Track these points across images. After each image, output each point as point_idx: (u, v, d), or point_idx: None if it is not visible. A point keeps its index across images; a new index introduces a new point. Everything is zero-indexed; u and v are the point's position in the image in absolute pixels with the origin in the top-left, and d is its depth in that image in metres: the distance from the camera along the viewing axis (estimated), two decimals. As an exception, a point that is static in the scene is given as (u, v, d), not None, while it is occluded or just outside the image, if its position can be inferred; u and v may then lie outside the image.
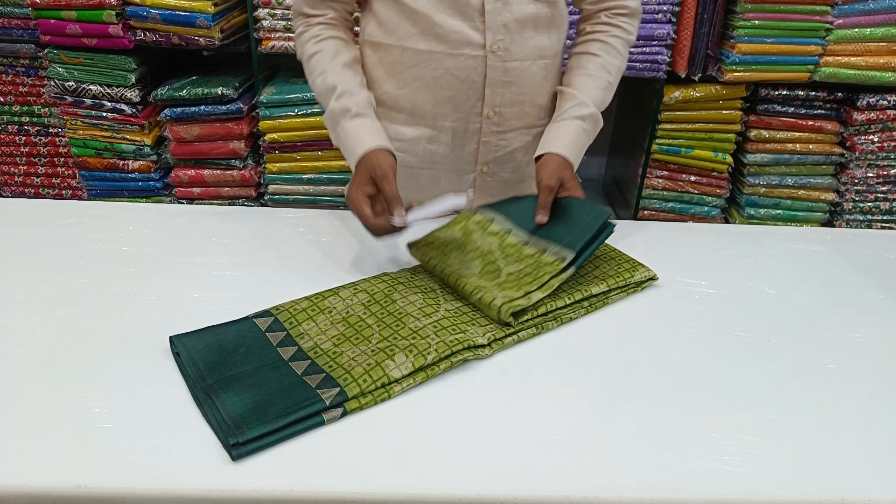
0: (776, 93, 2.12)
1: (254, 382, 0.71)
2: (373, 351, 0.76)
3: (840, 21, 1.99)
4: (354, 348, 0.77)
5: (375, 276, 0.93)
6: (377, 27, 1.06)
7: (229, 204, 2.34)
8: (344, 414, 0.69)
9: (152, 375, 0.74)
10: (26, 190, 2.44)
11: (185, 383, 0.73)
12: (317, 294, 0.87)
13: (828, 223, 2.32)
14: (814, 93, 2.11)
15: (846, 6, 1.97)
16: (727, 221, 2.37)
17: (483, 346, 0.79)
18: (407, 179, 1.10)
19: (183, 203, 2.32)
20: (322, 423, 0.68)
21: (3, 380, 0.73)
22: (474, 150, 1.10)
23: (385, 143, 0.98)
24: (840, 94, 2.11)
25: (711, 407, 0.73)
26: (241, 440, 0.63)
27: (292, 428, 0.66)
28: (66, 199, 2.42)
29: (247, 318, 0.82)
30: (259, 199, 2.35)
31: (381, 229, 0.91)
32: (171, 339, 0.77)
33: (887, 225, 2.28)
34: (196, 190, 2.32)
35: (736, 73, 2.05)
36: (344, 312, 0.84)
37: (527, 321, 0.83)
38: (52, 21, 2.05)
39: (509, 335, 0.82)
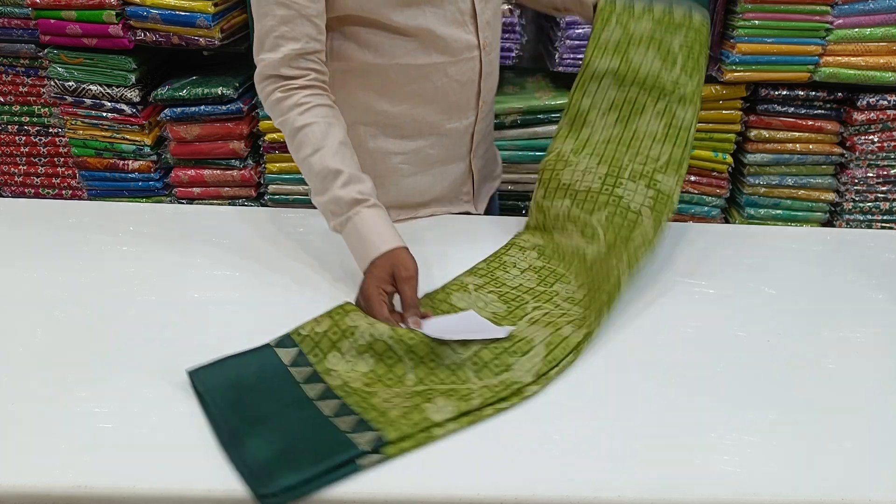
0: (776, 93, 2.12)
1: (279, 425, 0.67)
2: (408, 395, 0.72)
3: (840, 21, 1.98)
4: (388, 390, 0.72)
5: None
6: (359, 50, 1.01)
7: (229, 204, 2.34)
8: (381, 459, 0.65)
9: (152, 375, 0.74)
10: (26, 190, 2.44)
11: (185, 382, 0.73)
12: (337, 309, 0.80)
13: (828, 223, 2.32)
14: (814, 93, 2.11)
15: (846, 6, 1.97)
16: (727, 221, 2.37)
17: (530, 384, 0.74)
18: (406, 182, 1.13)
19: (183, 203, 2.32)
20: (356, 470, 0.63)
21: (3, 380, 0.73)
22: (469, 142, 1.15)
23: (405, 244, 0.90)
24: (840, 94, 2.11)
25: (711, 407, 0.73)
26: (271, 491, 0.60)
27: (326, 477, 0.62)
28: (66, 199, 2.42)
29: (267, 346, 0.77)
30: (259, 199, 2.35)
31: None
32: (190, 374, 0.72)
33: (887, 225, 2.27)
34: (196, 190, 2.31)
35: (736, 73, 2.05)
36: (369, 336, 0.76)
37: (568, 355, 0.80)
38: (52, 21, 2.05)
39: (553, 367, 0.77)
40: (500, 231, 1.09)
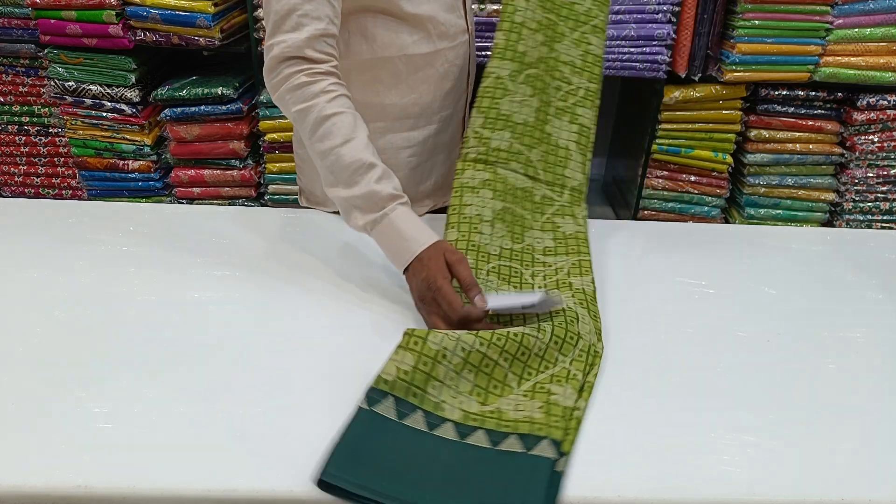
0: (776, 93, 2.12)
1: (451, 484, 0.61)
2: (527, 397, 0.71)
3: (840, 21, 1.99)
4: (505, 399, 0.71)
5: None
6: (367, 45, 1.02)
7: (229, 204, 2.34)
8: (563, 455, 0.64)
9: (152, 375, 0.74)
10: (26, 190, 2.44)
11: (185, 384, 0.73)
12: (410, 340, 0.72)
13: (828, 223, 2.32)
14: (814, 93, 2.11)
15: (846, 6, 1.97)
16: (727, 221, 2.37)
17: (599, 341, 0.82)
18: (413, 174, 1.16)
19: (183, 203, 2.32)
20: (560, 480, 0.62)
21: (3, 380, 0.73)
22: (462, 123, 1.20)
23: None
24: (840, 94, 2.11)
25: (711, 407, 0.73)
26: None
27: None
28: (66, 199, 2.42)
29: (363, 411, 0.67)
30: (259, 199, 2.35)
31: (471, 318, 0.80)
32: (321, 481, 0.61)
33: (887, 225, 2.28)
34: (196, 190, 2.32)
35: (736, 73, 2.05)
36: (461, 351, 0.72)
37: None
38: (52, 21, 2.05)
39: (597, 319, 0.86)
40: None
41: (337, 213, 1.17)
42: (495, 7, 1.97)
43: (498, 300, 0.83)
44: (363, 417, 0.66)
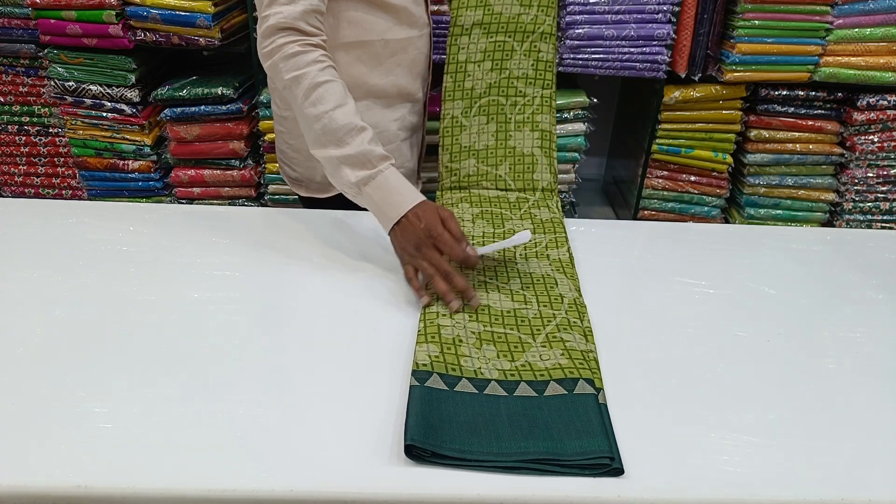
0: (776, 93, 2.12)
1: (520, 432, 0.67)
2: (543, 345, 0.80)
3: (840, 21, 1.99)
4: (530, 353, 0.79)
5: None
6: (350, 28, 1.11)
7: (229, 204, 2.34)
8: (600, 390, 0.72)
9: (152, 375, 0.74)
10: (26, 190, 2.44)
11: (185, 384, 0.73)
12: (428, 322, 0.82)
13: (828, 223, 2.32)
14: (814, 93, 2.11)
15: (846, 6, 1.97)
16: (727, 221, 2.37)
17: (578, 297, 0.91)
18: (404, 147, 1.26)
19: (183, 203, 2.32)
20: (607, 411, 0.70)
21: (3, 380, 0.73)
22: (424, 109, 1.32)
23: None
24: (840, 94, 2.11)
25: (711, 407, 0.73)
26: (616, 463, 0.64)
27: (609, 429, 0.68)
28: (66, 199, 2.42)
29: (416, 387, 0.71)
30: (259, 199, 2.35)
31: (469, 261, 0.91)
32: (408, 447, 0.64)
33: (887, 225, 2.28)
34: (196, 190, 2.32)
35: (736, 73, 2.05)
36: (465, 334, 0.81)
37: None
38: (52, 21, 2.05)
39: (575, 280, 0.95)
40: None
41: (334, 203, 1.18)
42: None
43: (485, 249, 0.95)
44: (418, 394, 0.70)
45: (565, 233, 1.06)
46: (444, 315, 0.84)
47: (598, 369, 0.76)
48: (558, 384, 0.73)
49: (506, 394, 0.72)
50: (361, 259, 1.00)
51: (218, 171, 2.27)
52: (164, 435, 0.66)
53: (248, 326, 0.84)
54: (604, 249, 1.04)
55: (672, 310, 0.91)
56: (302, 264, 0.98)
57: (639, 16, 2.02)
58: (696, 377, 0.78)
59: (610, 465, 0.63)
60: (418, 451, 0.64)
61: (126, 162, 2.27)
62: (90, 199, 2.34)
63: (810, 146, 2.18)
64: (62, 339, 0.79)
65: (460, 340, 0.80)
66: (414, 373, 0.73)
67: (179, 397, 0.71)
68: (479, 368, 0.76)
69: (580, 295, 0.91)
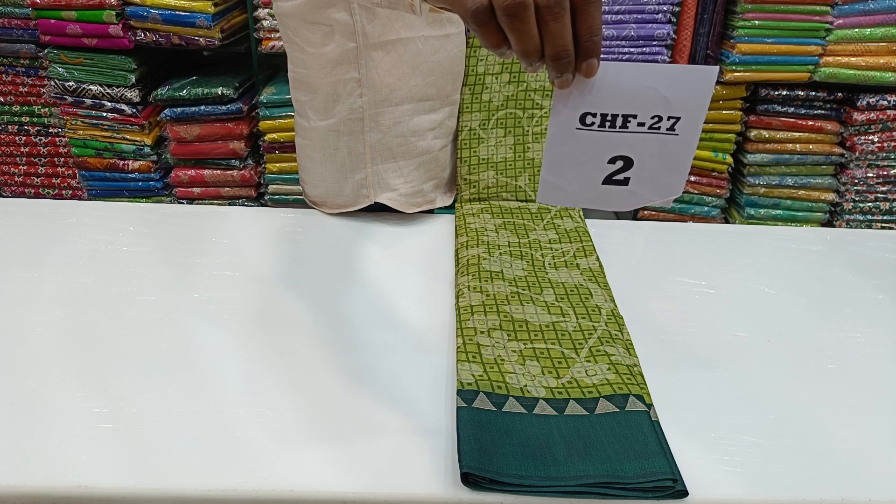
0: (776, 93, 2.12)
1: (575, 454, 0.65)
2: (587, 360, 0.78)
3: (840, 21, 1.99)
4: (575, 369, 0.76)
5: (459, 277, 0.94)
6: (385, 26, 1.05)
7: (229, 204, 2.34)
8: (650, 406, 0.70)
9: (152, 375, 0.74)
10: (26, 190, 2.44)
11: (186, 384, 0.73)
12: (466, 332, 0.81)
13: (828, 223, 2.32)
14: (814, 93, 2.11)
15: (846, 6, 1.97)
16: (727, 221, 2.37)
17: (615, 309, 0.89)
18: (439, 156, 1.19)
19: (183, 203, 2.32)
20: (660, 428, 0.68)
21: (3, 380, 0.73)
22: (458, 111, 1.25)
23: None
24: (840, 94, 2.11)
25: (711, 407, 0.73)
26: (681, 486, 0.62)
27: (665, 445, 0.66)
28: (66, 199, 2.42)
29: (463, 409, 0.69)
30: (259, 199, 2.35)
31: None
32: (464, 475, 0.62)
33: (887, 225, 2.28)
34: (196, 190, 2.32)
35: (736, 73, 2.05)
36: (505, 352, 0.79)
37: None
38: (52, 21, 2.05)
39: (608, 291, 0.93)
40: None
41: (338, 213, 1.18)
42: None
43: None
44: (466, 416, 0.68)
45: (591, 242, 1.05)
46: (482, 333, 0.82)
47: (645, 384, 0.74)
48: (608, 401, 0.71)
49: (556, 413, 0.70)
50: (363, 259, 1.00)
51: (218, 171, 2.27)
52: (163, 435, 0.66)
53: (248, 326, 0.84)
54: (604, 249, 1.04)
55: (672, 310, 0.91)
56: (302, 264, 0.98)
57: (639, 16, 2.03)
58: (696, 377, 0.78)
59: (673, 488, 0.62)
60: (475, 478, 0.62)
61: (126, 162, 2.27)
62: (90, 199, 2.35)
63: (810, 146, 2.18)
64: (62, 339, 0.79)
65: (502, 360, 0.77)
66: (459, 392, 0.71)
67: (179, 397, 0.71)
68: (526, 386, 0.73)
69: (616, 306, 0.89)
